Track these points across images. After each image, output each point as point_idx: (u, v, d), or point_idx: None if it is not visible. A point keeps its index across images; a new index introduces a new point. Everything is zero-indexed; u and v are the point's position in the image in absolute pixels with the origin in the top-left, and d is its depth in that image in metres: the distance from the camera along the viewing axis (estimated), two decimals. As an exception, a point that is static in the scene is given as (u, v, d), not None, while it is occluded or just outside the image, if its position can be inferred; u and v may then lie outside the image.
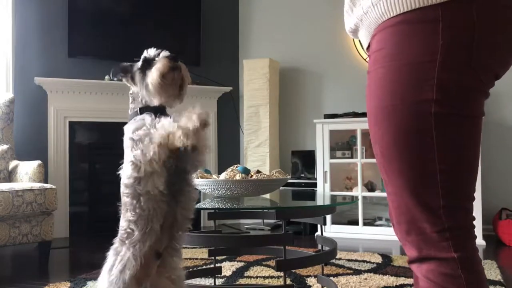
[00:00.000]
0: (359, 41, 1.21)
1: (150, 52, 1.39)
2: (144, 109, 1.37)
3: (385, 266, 2.83)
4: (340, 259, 2.99)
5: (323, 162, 3.93)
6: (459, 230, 0.93)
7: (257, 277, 2.59)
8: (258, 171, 2.03)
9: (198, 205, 1.87)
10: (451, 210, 0.92)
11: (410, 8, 0.91)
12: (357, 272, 2.68)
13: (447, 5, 0.88)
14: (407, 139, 0.93)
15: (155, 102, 1.35)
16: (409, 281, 2.44)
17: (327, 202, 2.25)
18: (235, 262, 2.91)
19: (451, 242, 0.92)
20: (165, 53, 1.38)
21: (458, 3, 0.88)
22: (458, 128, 0.92)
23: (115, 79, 1.44)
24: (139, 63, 1.39)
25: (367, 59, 1.12)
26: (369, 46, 1.06)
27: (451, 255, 0.91)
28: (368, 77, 1.02)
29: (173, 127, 1.23)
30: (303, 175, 4.37)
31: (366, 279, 2.53)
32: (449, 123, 0.91)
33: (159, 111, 1.36)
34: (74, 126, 4.16)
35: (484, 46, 0.90)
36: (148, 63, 1.36)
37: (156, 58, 1.36)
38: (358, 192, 3.86)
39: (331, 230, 3.82)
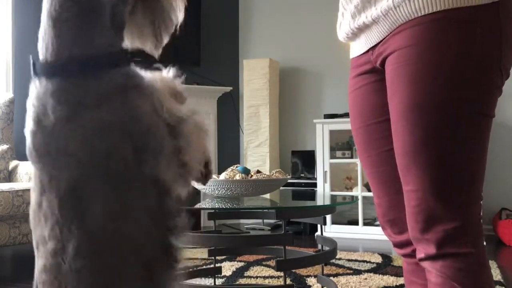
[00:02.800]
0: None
1: None
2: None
3: (385, 266, 2.83)
4: (340, 259, 2.99)
5: (323, 162, 3.93)
6: (475, 226, 0.95)
7: (257, 277, 2.59)
8: (258, 171, 2.03)
9: (198, 205, 1.87)
10: (470, 206, 0.95)
11: (448, 7, 0.91)
12: (357, 272, 2.68)
13: (484, 7, 0.91)
14: (438, 136, 0.93)
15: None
16: (409, 281, 2.44)
17: (327, 202, 2.25)
18: (235, 262, 2.91)
19: (468, 238, 0.94)
20: None
21: (491, 5, 0.91)
22: (484, 127, 0.94)
23: None
24: None
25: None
26: (376, 44, 1.05)
27: (468, 250, 0.93)
28: (387, 73, 1.01)
29: None
30: (303, 175, 4.37)
31: (366, 279, 2.53)
32: (478, 122, 0.93)
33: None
34: (74, 126, 4.15)
35: (507, 46, 0.93)
36: None
37: None
38: (358, 192, 3.86)
39: (331, 230, 3.82)
